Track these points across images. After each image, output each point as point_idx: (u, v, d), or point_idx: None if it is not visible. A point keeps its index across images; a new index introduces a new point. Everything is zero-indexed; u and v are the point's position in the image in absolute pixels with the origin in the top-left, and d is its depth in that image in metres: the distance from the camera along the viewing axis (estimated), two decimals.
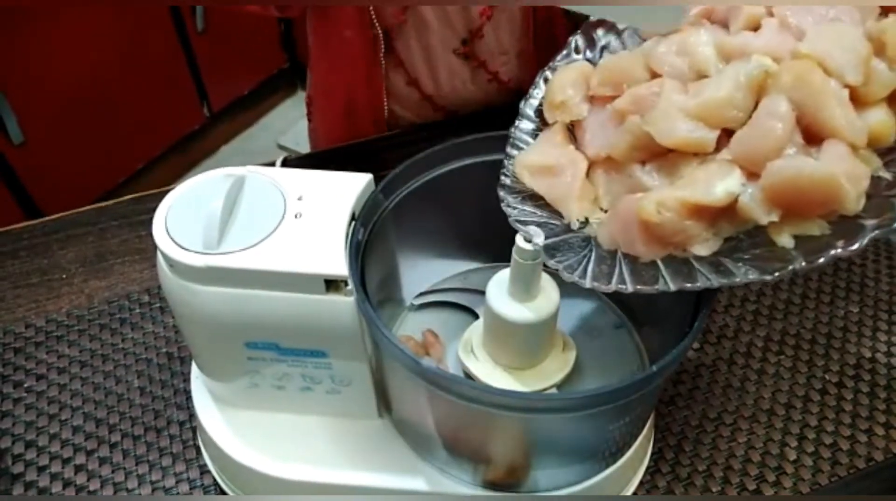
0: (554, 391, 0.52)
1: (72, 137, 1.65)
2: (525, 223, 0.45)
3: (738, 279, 0.38)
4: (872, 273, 0.75)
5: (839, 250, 0.35)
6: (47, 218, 0.80)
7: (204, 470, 0.59)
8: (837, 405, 0.64)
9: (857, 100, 0.37)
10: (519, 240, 0.45)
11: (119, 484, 0.59)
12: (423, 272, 0.60)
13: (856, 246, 0.35)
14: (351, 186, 0.48)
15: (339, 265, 0.43)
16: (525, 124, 0.49)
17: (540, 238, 0.45)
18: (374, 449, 0.52)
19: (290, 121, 2.13)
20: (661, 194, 0.40)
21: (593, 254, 0.44)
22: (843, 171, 0.35)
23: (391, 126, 0.90)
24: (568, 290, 0.61)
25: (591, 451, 0.49)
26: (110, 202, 0.82)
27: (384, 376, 0.49)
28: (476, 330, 0.55)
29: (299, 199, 0.47)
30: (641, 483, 0.58)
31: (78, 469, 0.60)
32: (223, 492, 0.57)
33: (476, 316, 0.57)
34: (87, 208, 0.82)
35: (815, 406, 0.64)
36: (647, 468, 0.58)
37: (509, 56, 0.84)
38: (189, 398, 0.61)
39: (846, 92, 0.36)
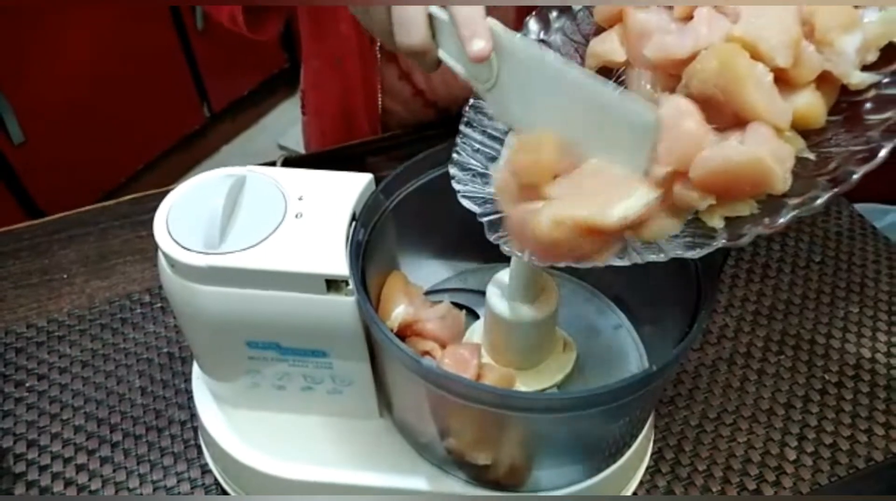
0: (555, 390, 0.52)
1: (72, 137, 1.65)
2: (473, 199, 0.46)
3: (664, 255, 0.39)
4: (872, 274, 0.75)
5: (762, 228, 0.36)
6: (48, 218, 0.81)
7: (205, 470, 0.59)
8: (837, 405, 0.64)
9: (787, 82, 0.37)
10: None
11: (120, 484, 0.59)
12: (423, 273, 0.60)
13: (779, 223, 0.36)
14: (351, 186, 0.48)
15: (339, 265, 0.43)
16: (481, 103, 0.49)
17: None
18: (376, 449, 0.52)
19: (290, 121, 2.13)
20: (555, 210, 0.40)
21: None
22: (768, 152, 0.35)
23: (384, 122, 0.90)
24: (568, 290, 0.61)
25: (591, 451, 0.49)
26: (111, 202, 0.82)
27: (385, 376, 0.49)
28: (476, 331, 0.55)
29: (300, 199, 0.47)
30: (641, 482, 0.58)
31: (79, 468, 0.60)
32: (224, 492, 0.57)
33: (476, 316, 0.58)
34: (88, 207, 0.82)
35: (814, 406, 0.64)
36: (647, 467, 0.59)
37: None
38: (190, 397, 0.62)
39: (769, 76, 0.36)
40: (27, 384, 0.66)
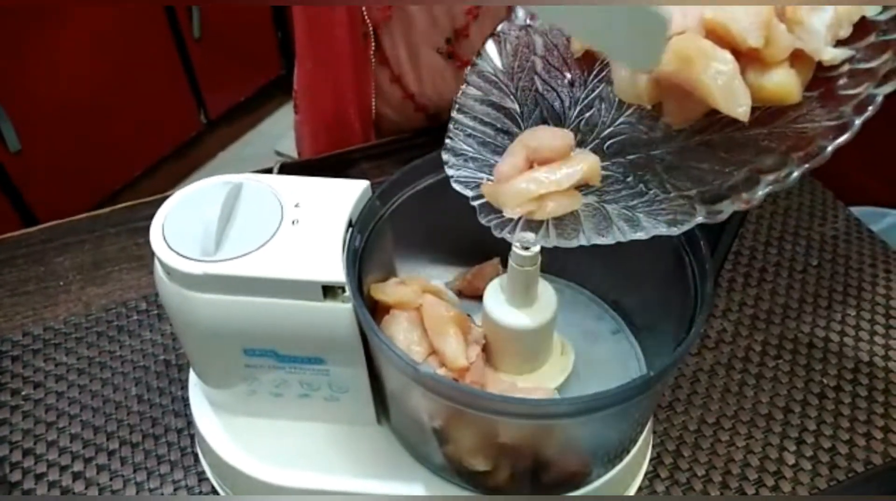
0: (556, 394, 0.52)
1: (69, 145, 1.65)
2: (465, 183, 0.46)
3: (645, 232, 0.40)
4: (869, 277, 0.75)
5: (740, 204, 0.38)
6: (44, 225, 0.80)
7: (202, 477, 0.59)
8: (835, 409, 0.64)
9: (760, 61, 0.38)
10: (516, 246, 0.45)
11: (117, 492, 0.59)
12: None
13: (756, 197, 0.37)
14: (348, 192, 0.48)
15: (336, 272, 0.43)
16: (472, 90, 0.49)
17: (537, 246, 0.45)
18: (373, 456, 0.52)
19: (287, 127, 2.12)
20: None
21: None
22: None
23: (376, 126, 0.90)
24: (566, 296, 0.61)
25: (589, 456, 0.49)
26: (107, 210, 0.82)
27: (382, 382, 0.49)
28: None
29: (296, 206, 0.47)
30: (640, 487, 0.58)
31: (76, 476, 0.60)
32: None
33: (473, 322, 0.57)
34: (85, 215, 0.81)
35: (813, 410, 0.64)
36: (646, 472, 0.58)
37: None
38: (187, 405, 0.61)
39: (729, 66, 0.37)
40: (23, 393, 0.65)
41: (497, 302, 0.49)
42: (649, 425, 0.57)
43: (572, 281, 0.62)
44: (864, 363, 0.67)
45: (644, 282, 0.55)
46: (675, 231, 0.40)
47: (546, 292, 0.50)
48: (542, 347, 0.52)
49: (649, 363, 0.56)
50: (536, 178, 0.43)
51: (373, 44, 0.79)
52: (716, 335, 0.70)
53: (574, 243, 0.42)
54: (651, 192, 0.43)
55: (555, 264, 0.59)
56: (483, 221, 0.45)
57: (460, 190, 0.46)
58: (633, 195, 0.43)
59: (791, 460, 0.61)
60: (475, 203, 0.46)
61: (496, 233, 0.44)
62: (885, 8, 0.38)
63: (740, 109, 0.37)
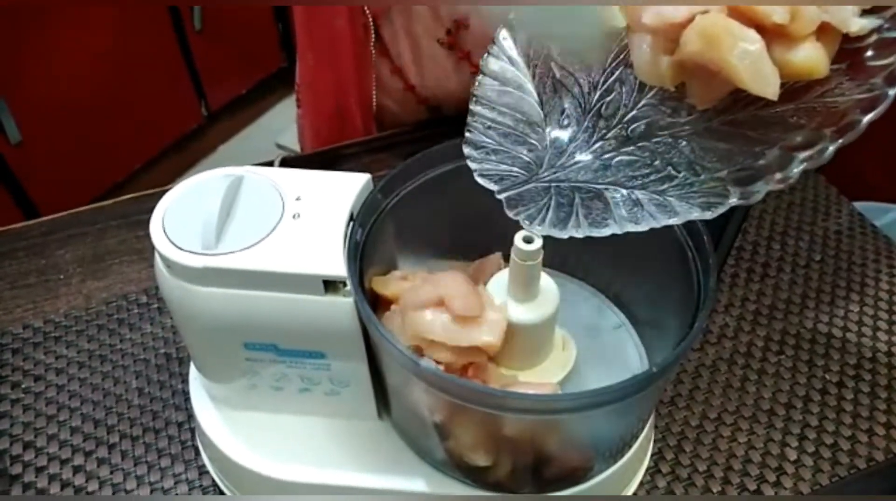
0: (558, 389, 0.51)
1: (70, 137, 1.65)
2: (489, 177, 0.45)
3: (679, 217, 0.39)
4: (872, 273, 0.75)
5: (775, 184, 0.36)
6: (45, 218, 0.80)
7: (203, 471, 0.59)
8: (838, 404, 0.64)
9: (786, 36, 0.37)
10: (518, 241, 0.45)
11: (118, 485, 0.59)
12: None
13: (792, 175, 0.36)
14: (349, 186, 0.47)
15: (337, 266, 0.43)
16: (488, 81, 0.49)
17: (539, 241, 0.44)
18: (374, 451, 0.52)
19: (288, 120, 2.12)
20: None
21: (552, 202, 0.44)
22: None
23: (377, 118, 0.89)
24: (568, 290, 0.60)
25: (591, 452, 0.49)
26: (108, 202, 0.82)
27: (383, 377, 0.49)
28: None
29: (297, 199, 0.46)
30: (641, 483, 0.58)
31: (76, 469, 0.60)
32: (222, 494, 0.57)
33: None
34: (86, 207, 0.81)
35: (815, 406, 0.64)
36: (647, 468, 0.58)
37: None
38: (187, 398, 0.61)
39: (756, 45, 0.36)
40: (23, 386, 0.65)
41: (499, 297, 0.49)
42: (651, 420, 0.56)
43: (574, 275, 0.61)
44: (866, 359, 0.67)
45: (646, 277, 0.55)
46: (709, 215, 0.38)
47: (548, 286, 0.50)
48: (544, 342, 0.52)
49: (651, 358, 0.56)
50: (442, 321, 0.44)
51: (373, 35, 0.79)
52: (718, 331, 0.70)
53: (607, 232, 0.40)
54: (681, 175, 0.42)
55: (557, 258, 0.59)
56: (511, 214, 0.43)
57: (485, 184, 0.45)
58: (662, 180, 0.42)
59: (793, 456, 0.60)
60: (501, 196, 0.44)
61: (525, 226, 0.43)
62: None
63: (770, 89, 0.36)
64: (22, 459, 0.60)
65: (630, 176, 0.43)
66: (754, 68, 0.36)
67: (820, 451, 0.61)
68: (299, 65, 0.90)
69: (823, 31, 0.37)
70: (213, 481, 0.58)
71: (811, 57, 0.37)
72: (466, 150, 0.46)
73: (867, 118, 0.34)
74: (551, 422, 0.44)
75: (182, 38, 1.84)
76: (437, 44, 0.82)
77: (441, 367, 0.44)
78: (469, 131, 0.47)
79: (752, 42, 0.36)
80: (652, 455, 0.59)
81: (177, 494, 0.58)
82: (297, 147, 1.05)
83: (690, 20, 0.37)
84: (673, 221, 0.39)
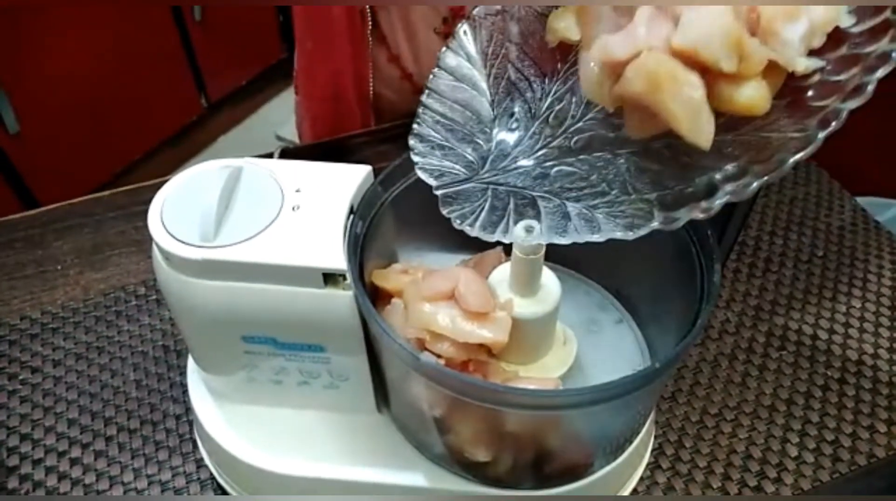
0: (559, 384, 0.51)
1: (69, 127, 1.64)
2: (430, 172, 0.45)
3: (601, 235, 0.39)
4: (875, 268, 0.75)
5: (698, 212, 0.37)
6: (43, 209, 0.80)
7: (200, 464, 0.59)
8: (839, 401, 0.64)
9: (733, 76, 0.37)
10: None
11: (115, 478, 0.58)
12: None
13: (714, 205, 0.36)
14: (349, 178, 0.47)
15: (337, 259, 0.42)
16: (444, 75, 0.49)
17: (540, 237, 0.44)
18: (373, 445, 0.52)
19: (288, 112, 2.11)
20: None
21: (488, 204, 0.44)
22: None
23: (375, 107, 0.89)
24: (569, 285, 0.60)
25: (592, 447, 0.49)
26: (107, 193, 0.81)
27: (383, 371, 0.48)
28: None
29: (297, 191, 0.46)
30: (641, 479, 0.57)
31: (73, 462, 0.59)
32: (220, 487, 0.57)
33: None
34: (84, 198, 0.81)
35: (816, 403, 0.63)
36: (648, 464, 0.58)
37: None
38: (185, 391, 0.61)
39: (699, 92, 0.36)
40: (21, 377, 0.65)
41: (500, 291, 0.49)
42: (652, 416, 0.56)
43: (576, 270, 0.61)
44: (868, 356, 0.67)
45: (648, 271, 0.54)
46: (630, 236, 0.39)
47: (549, 280, 0.49)
48: (546, 336, 0.51)
49: (653, 352, 0.55)
50: (451, 315, 0.44)
51: (370, 22, 0.79)
52: (719, 326, 0.69)
53: (532, 241, 0.42)
54: (613, 192, 0.42)
55: (558, 252, 0.58)
56: (444, 212, 0.44)
57: (424, 177, 0.45)
58: (594, 195, 0.43)
59: (794, 452, 0.60)
60: (438, 193, 0.45)
61: (455, 225, 0.43)
62: (859, 17, 0.37)
63: (703, 139, 0.36)
64: (19, 451, 0.60)
65: (566, 187, 0.44)
66: (693, 117, 0.36)
67: (821, 447, 0.60)
68: (297, 51, 0.90)
69: (769, 69, 0.37)
70: (211, 474, 0.57)
71: (755, 96, 0.37)
72: (412, 142, 0.47)
73: (793, 159, 0.35)
74: (552, 418, 0.44)
75: (182, 29, 1.83)
76: (433, 33, 0.81)
77: (441, 361, 0.44)
78: (418, 124, 0.47)
79: (695, 89, 0.36)
80: (652, 451, 0.59)
81: (174, 487, 0.58)
82: (297, 139, 1.04)
83: (635, 56, 0.37)
84: (595, 237, 0.40)
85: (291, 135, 2.06)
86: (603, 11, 0.41)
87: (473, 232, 0.42)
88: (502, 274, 0.49)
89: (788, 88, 0.38)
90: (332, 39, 0.81)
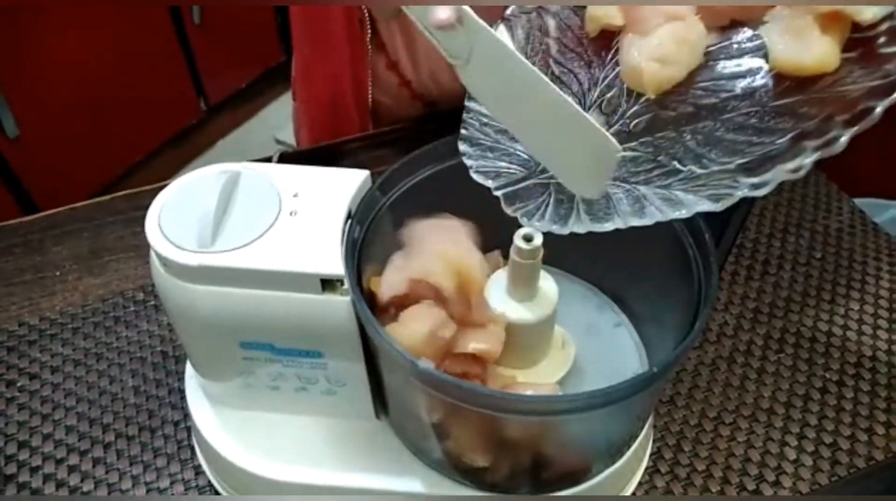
0: (557, 389, 0.51)
1: (68, 131, 1.64)
2: (486, 174, 0.45)
3: (687, 210, 0.38)
4: (873, 270, 0.75)
5: (785, 174, 0.36)
6: (41, 214, 0.80)
7: (199, 471, 0.59)
8: (838, 404, 0.63)
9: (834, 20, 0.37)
10: (518, 239, 0.44)
11: (113, 485, 0.58)
12: None
13: (804, 165, 0.35)
14: (347, 182, 0.47)
15: (335, 264, 0.42)
16: None
17: (539, 239, 0.44)
18: (371, 451, 0.52)
19: (287, 115, 2.10)
20: None
21: (552, 198, 0.44)
22: None
23: (373, 114, 0.89)
24: (567, 288, 0.60)
25: (590, 452, 0.49)
26: (106, 198, 0.81)
27: (381, 377, 0.48)
28: None
29: (295, 196, 0.46)
30: (640, 483, 0.57)
31: (71, 469, 0.59)
32: (218, 494, 0.57)
33: None
34: (83, 203, 0.81)
35: (815, 405, 0.63)
36: (646, 468, 0.58)
37: None
38: (183, 397, 0.61)
39: None
40: (18, 384, 0.65)
41: (497, 295, 0.49)
42: (650, 419, 0.56)
43: (574, 274, 0.61)
44: (866, 358, 0.67)
45: (646, 275, 0.54)
46: (718, 207, 0.37)
47: (547, 284, 0.49)
48: (543, 341, 0.51)
49: (651, 356, 0.55)
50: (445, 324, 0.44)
51: (369, 30, 0.78)
52: (717, 329, 0.69)
53: (609, 227, 0.40)
54: (687, 169, 0.41)
55: (556, 256, 0.58)
56: (509, 211, 0.43)
57: (481, 181, 0.44)
58: (666, 174, 0.41)
59: (792, 455, 0.60)
60: (498, 193, 0.44)
61: (524, 222, 0.43)
62: None
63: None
64: (17, 458, 0.60)
65: (632, 172, 0.43)
66: None
67: (819, 450, 0.60)
68: (295, 56, 0.90)
69: (832, 21, 0.36)
70: (209, 481, 0.57)
71: (823, 53, 0.36)
72: (462, 147, 0.46)
73: (882, 104, 0.33)
74: (550, 423, 0.44)
75: (181, 32, 1.83)
76: None
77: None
78: (465, 128, 0.47)
79: None
80: (651, 455, 0.59)
81: (173, 494, 0.58)
82: (295, 142, 1.04)
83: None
84: (680, 214, 0.38)
85: (290, 138, 2.05)
86: None
87: (544, 227, 0.42)
88: (500, 278, 0.49)
89: (857, 40, 0.37)
90: (329, 43, 0.81)
